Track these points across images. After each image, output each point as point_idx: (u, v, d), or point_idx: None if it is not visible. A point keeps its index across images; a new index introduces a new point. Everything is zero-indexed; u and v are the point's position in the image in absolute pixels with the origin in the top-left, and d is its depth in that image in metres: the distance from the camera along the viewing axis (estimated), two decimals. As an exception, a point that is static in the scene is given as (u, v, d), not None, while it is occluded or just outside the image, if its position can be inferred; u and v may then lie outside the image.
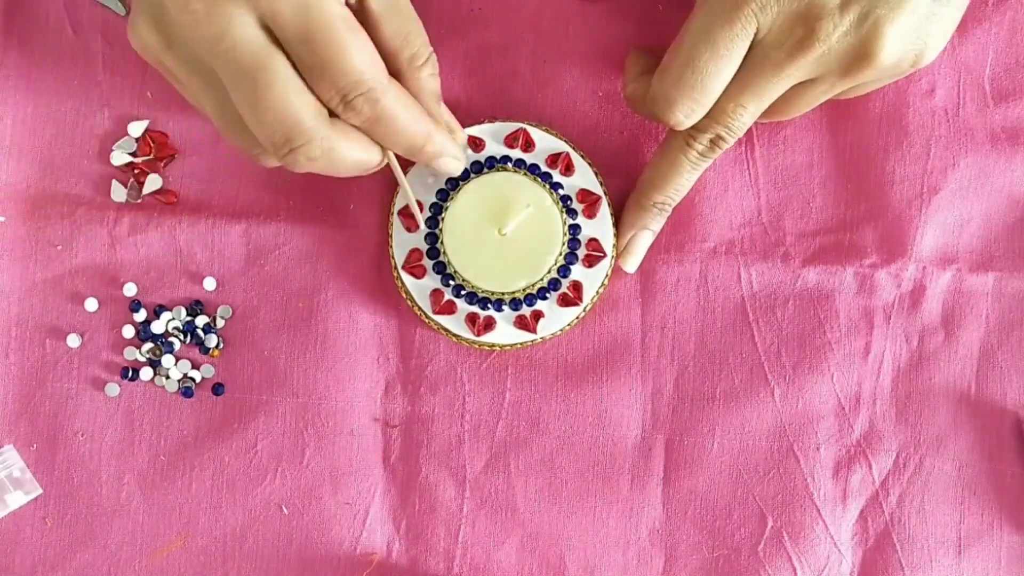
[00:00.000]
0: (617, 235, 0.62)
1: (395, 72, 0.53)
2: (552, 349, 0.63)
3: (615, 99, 0.63)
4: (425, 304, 0.61)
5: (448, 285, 0.61)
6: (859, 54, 0.53)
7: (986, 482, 0.63)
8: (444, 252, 0.60)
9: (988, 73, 0.63)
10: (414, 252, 0.61)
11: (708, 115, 0.56)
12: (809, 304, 0.63)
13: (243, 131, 0.51)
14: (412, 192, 0.59)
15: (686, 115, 0.56)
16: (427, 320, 0.61)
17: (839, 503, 0.63)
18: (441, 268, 0.61)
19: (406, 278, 0.61)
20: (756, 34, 0.54)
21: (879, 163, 0.63)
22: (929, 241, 0.63)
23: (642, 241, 0.61)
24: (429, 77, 0.55)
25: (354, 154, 0.52)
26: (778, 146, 0.63)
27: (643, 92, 0.58)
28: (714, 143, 0.57)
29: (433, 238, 0.61)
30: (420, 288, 0.61)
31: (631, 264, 0.62)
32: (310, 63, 0.49)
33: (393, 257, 0.61)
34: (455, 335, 0.61)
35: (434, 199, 0.61)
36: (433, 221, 0.61)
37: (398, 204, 0.61)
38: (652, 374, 0.63)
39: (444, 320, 0.61)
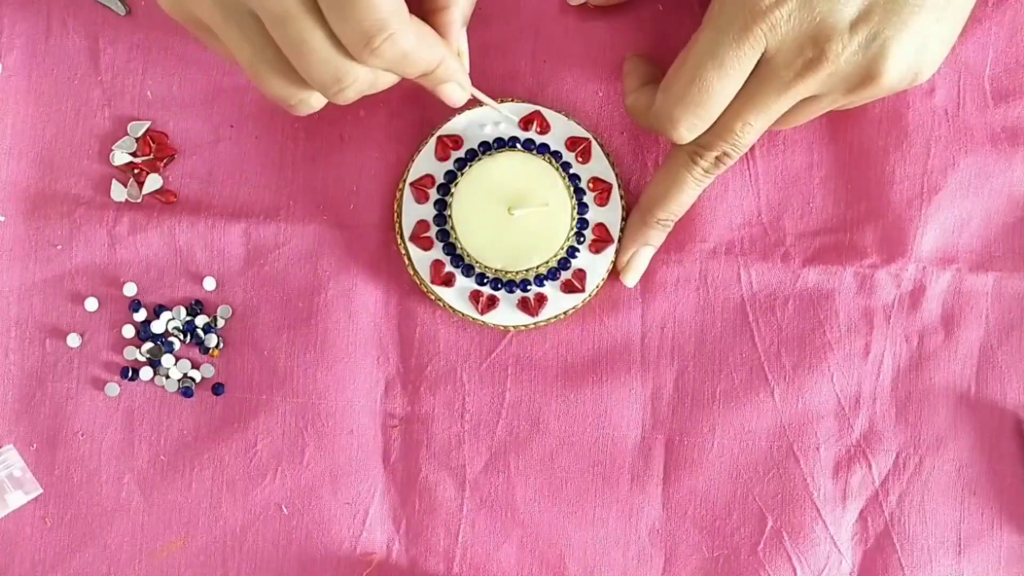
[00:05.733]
0: (618, 251, 0.62)
1: None
2: (552, 349, 0.63)
3: (615, 99, 0.63)
4: (426, 275, 0.61)
5: (453, 258, 0.61)
6: (865, 74, 0.53)
7: (986, 482, 0.63)
8: (452, 225, 0.60)
9: (988, 73, 0.63)
10: (421, 223, 0.61)
11: (714, 133, 0.56)
12: (809, 304, 0.63)
13: (280, 77, 0.51)
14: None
15: (689, 130, 0.56)
16: (427, 292, 0.61)
17: (839, 503, 0.63)
18: (445, 236, 0.61)
19: (412, 249, 0.61)
20: (764, 53, 0.54)
21: (879, 163, 0.63)
22: (929, 241, 0.63)
23: (644, 257, 0.62)
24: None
25: (391, 76, 0.52)
26: (778, 146, 0.63)
27: (644, 104, 0.58)
28: (719, 160, 0.58)
29: (443, 205, 0.61)
30: (424, 260, 0.61)
31: (632, 279, 0.62)
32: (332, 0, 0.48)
33: (400, 228, 0.61)
34: (459, 311, 0.61)
35: (448, 170, 0.61)
36: (444, 189, 0.61)
37: (411, 177, 0.61)
38: (652, 374, 0.63)
39: (445, 293, 0.61)
